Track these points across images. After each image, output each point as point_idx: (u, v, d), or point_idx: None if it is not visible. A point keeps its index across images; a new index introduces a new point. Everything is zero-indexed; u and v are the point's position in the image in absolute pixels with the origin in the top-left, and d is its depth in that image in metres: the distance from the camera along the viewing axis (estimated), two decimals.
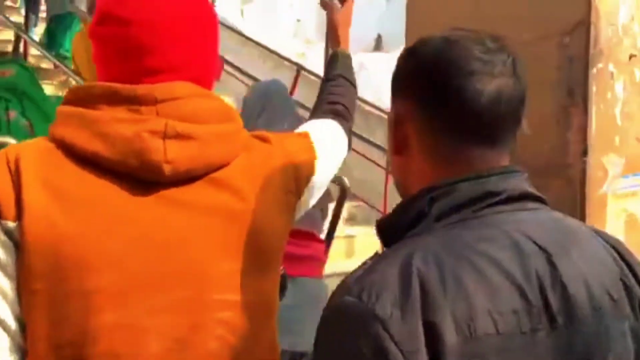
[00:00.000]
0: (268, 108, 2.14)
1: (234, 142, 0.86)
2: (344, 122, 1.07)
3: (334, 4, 1.25)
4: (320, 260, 2.20)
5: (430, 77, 0.70)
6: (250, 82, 5.72)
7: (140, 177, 0.79)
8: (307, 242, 2.07)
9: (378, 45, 7.31)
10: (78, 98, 0.81)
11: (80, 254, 0.75)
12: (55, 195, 0.76)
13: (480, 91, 0.68)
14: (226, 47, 7.26)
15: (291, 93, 5.56)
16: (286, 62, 6.46)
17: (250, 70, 6.05)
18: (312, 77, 5.79)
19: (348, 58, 1.20)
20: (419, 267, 0.63)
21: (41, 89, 2.80)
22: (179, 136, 0.79)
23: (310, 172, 0.93)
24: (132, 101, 0.79)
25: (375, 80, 6.48)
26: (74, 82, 3.37)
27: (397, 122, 0.73)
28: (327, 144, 1.00)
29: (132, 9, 0.81)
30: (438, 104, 0.70)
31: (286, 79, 6.29)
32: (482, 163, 0.70)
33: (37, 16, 6.20)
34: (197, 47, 0.84)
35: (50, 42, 5.34)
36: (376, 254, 0.70)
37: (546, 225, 0.71)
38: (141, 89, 0.79)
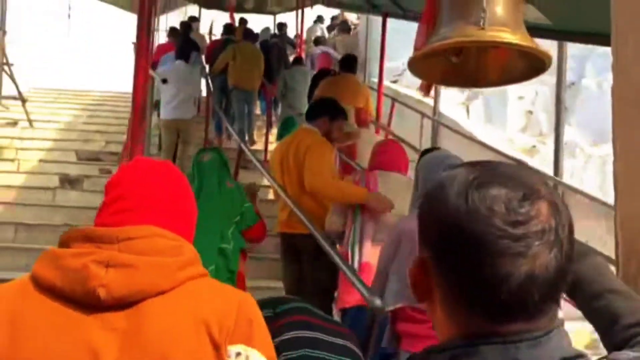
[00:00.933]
0: None
1: (174, 275, 0.97)
2: None
3: None
4: None
5: (447, 242, 0.63)
6: None
7: (83, 303, 0.95)
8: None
9: None
10: (61, 241, 1.02)
11: None
12: (11, 322, 0.96)
13: (507, 277, 0.59)
14: (450, 148, 7.15)
15: None
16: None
17: None
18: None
19: None
20: None
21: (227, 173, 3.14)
22: (121, 265, 0.95)
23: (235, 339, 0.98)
24: (95, 240, 0.98)
25: None
26: None
27: (420, 266, 0.68)
28: None
29: (126, 178, 1.08)
30: (457, 279, 0.63)
31: None
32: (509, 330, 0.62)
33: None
34: (166, 202, 1.07)
35: None
36: None
37: None
38: (103, 230, 1.00)
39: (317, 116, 3.23)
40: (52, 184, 5.86)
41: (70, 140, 7.38)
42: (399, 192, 2.78)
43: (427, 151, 2.61)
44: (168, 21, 11.75)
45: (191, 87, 5.96)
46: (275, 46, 8.24)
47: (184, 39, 6.93)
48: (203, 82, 6.72)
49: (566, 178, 5.28)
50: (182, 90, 5.82)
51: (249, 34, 8.01)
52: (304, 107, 5.47)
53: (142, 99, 2.07)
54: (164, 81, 5.64)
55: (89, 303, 0.94)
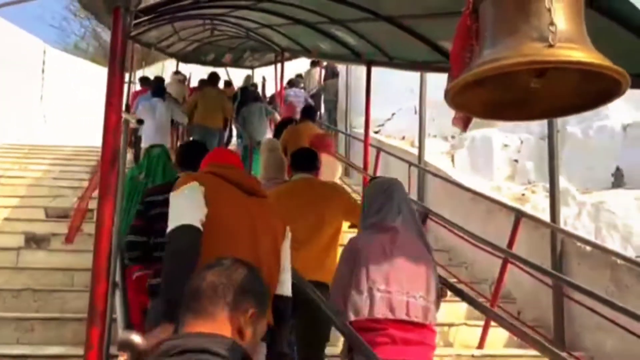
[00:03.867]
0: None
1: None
2: None
3: None
4: (431, 347, 2.57)
5: None
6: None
7: (245, 189, 2.30)
8: (420, 329, 2.50)
9: (618, 180, 6.24)
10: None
11: (224, 220, 2.14)
12: (215, 193, 2.16)
13: None
14: (438, 196, 6.96)
15: (511, 242, 4.82)
16: (502, 208, 5.77)
17: (459, 217, 5.52)
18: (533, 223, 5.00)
19: None
20: None
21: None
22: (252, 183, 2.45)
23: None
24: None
25: (620, 222, 5.40)
26: None
27: None
28: None
29: None
30: None
31: (503, 224, 5.61)
32: None
33: None
34: None
35: None
36: None
37: None
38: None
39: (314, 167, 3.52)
40: (17, 244, 5.43)
41: (40, 197, 6.98)
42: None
43: (374, 178, 3.25)
44: (145, 74, 11.71)
45: (167, 120, 6.95)
46: (251, 92, 9.55)
47: (158, 83, 7.89)
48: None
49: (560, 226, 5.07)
50: (160, 123, 6.68)
51: (213, 79, 9.28)
52: (260, 135, 7.35)
53: (114, 142, 1.78)
54: (140, 122, 6.09)
55: (247, 190, 2.29)
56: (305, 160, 3.48)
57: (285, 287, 2.26)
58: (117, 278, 2.34)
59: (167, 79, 10.16)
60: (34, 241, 5.60)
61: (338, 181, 5.07)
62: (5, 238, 5.58)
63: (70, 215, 6.43)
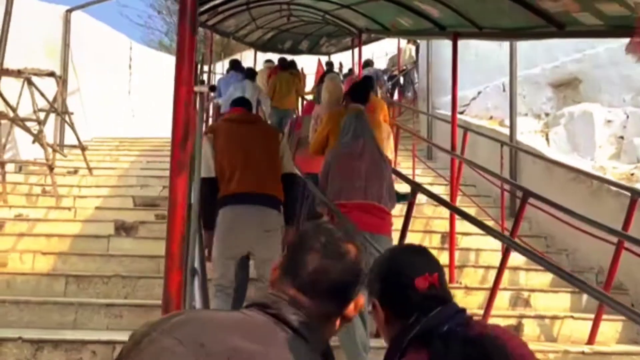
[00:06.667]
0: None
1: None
2: None
3: None
4: (385, 220, 3.72)
5: None
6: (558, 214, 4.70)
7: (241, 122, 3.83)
8: (377, 209, 3.65)
9: None
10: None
11: (225, 145, 3.61)
12: (227, 135, 3.70)
13: None
14: (532, 177, 6.45)
15: (626, 225, 4.29)
16: (612, 187, 5.20)
17: (557, 201, 5.00)
18: None
19: None
20: None
21: None
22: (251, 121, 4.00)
23: None
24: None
25: None
26: None
27: None
28: None
29: None
30: None
31: (610, 208, 5.06)
32: None
33: None
34: None
35: None
36: None
37: None
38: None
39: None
40: (107, 232, 5.59)
41: (128, 186, 7.19)
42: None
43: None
44: (225, 66, 11.90)
45: (253, 100, 7.38)
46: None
47: (249, 68, 9.55)
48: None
49: None
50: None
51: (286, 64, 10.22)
52: None
53: (185, 115, 1.62)
54: (212, 88, 6.57)
55: (244, 122, 3.78)
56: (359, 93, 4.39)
57: (287, 169, 3.71)
58: (196, 264, 2.20)
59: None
60: (123, 229, 5.74)
61: (390, 151, 5.12)
62: (96, 226, 5.76)
63: (157, 204, 6.57)
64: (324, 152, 4.13)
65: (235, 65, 10.13)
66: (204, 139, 3.29)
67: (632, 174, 5.82)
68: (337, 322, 1.12)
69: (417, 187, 3.97)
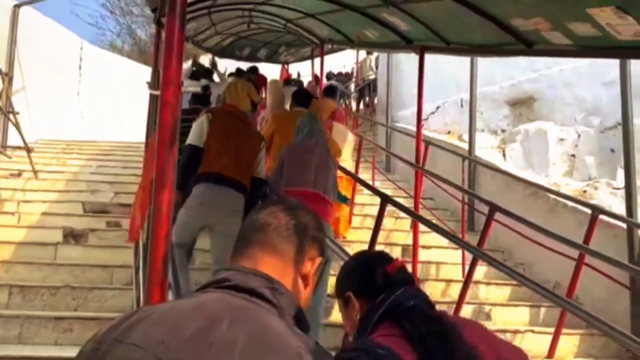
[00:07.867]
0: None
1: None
2: None
3: None
4: (328, 210, 4.14)
5: None
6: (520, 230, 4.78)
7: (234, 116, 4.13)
8: (320, 198, 4.07)
9: None
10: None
11: (219, 133, 3.93)
12: (224, 128, 3.97)
13: None
14: (491, 190, 6.55)
15: (586, 241, 4.39)
16: (568, 202, 5.34)
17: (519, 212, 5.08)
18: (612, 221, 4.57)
19: None
20: None
21: None
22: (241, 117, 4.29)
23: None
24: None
25: None
26: None
27: None
28: None
29: None
30: None
31: (568, 223, 5.20)
32: None
33: None
34: None
35: None
36: None
37: None
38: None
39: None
40: (55, 239, 5.28)
41: (77, 192, 6.84)
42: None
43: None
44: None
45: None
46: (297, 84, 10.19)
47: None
48: None
49: None
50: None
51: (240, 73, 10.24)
52: None
53: (172, 120, 1.50)
54: (205, 88, 6.96)
55: (235, 116, 4.09)
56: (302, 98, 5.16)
57: (260, 174, 4.02)
58: (170, 279, 2.06)
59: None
60: (72, 236, 5.44)
61: (349, 154, 5.90)
62: (43, 233, 5.43)
63: (108, 211, 6.27)
64: (269, 150, 4.65)
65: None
66: (203, 116, 3.96)
67: (585, 191, 6.01)
68: (300, 284, 1.10)
69: (386, 199, 3.92)
